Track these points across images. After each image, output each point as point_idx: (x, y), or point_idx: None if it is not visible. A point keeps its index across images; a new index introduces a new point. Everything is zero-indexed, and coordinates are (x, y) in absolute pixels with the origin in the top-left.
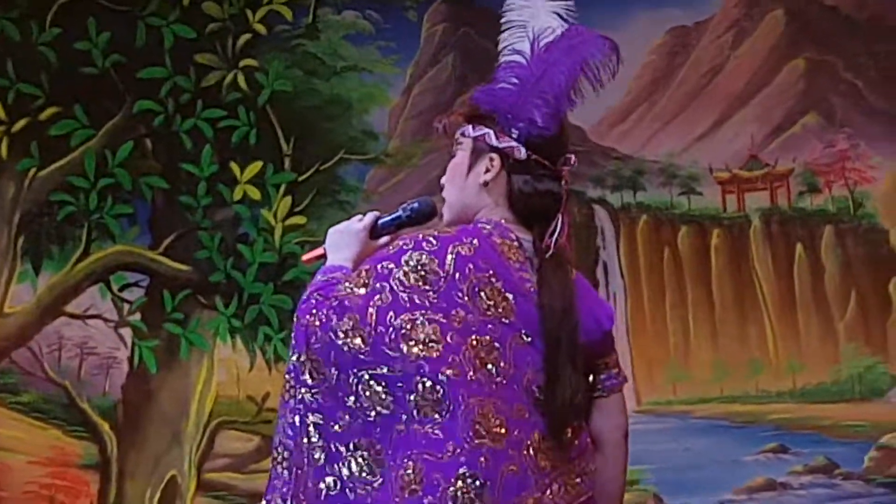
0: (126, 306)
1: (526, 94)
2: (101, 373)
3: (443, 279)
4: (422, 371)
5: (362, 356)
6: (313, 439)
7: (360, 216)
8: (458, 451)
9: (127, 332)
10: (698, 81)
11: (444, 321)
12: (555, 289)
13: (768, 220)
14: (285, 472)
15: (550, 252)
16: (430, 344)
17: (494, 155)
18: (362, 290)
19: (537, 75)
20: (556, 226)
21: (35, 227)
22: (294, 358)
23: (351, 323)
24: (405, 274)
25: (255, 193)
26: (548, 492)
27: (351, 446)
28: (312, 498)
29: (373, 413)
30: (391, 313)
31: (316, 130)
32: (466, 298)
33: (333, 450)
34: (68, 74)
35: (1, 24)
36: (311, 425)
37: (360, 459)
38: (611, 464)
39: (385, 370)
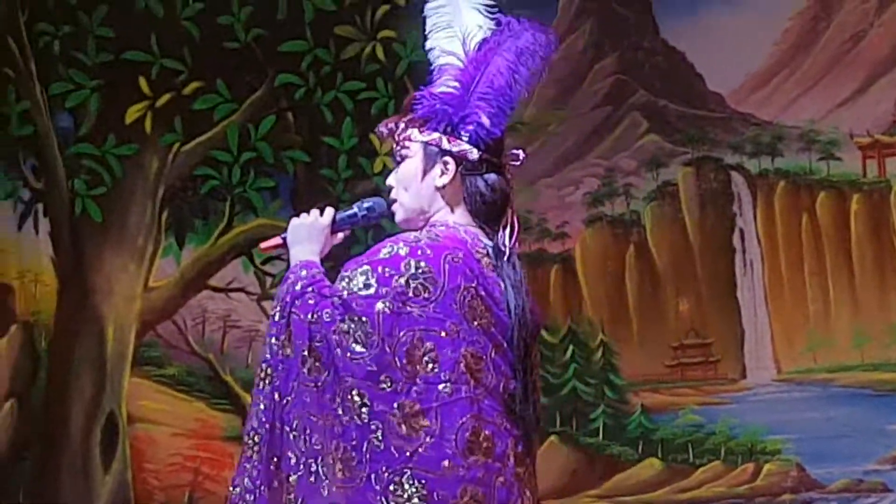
0: (268, 279)
1: (469, 96)
2: (244, 345)
3: (440, 289)
4: (418, 388)
5: (358, 361)
6: (305, 433)
7: (317, 211)
8: (458, 467)
9: (269, 305)
10: (841, 47)
11: (443, 336)
12: (518, 293)
13: None
14: (255, 457)
15: (508, 254)
16: (429, 362)
17: (448, 159)
18: (365, 292)
19: (476, 77)
20: (511, 225)
21: (179, 201)
22: (285, 350)
23: (352, 326)
24: (406, 282)
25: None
26: (522, 499)
27: (328, 446)
28: (292, 486)
29: (348, 419)
30: (396, 325)
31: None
32: (459, 309)
33: (316, 446)
34: (211, 49)
35: None
36: (297, 419)
37: (330, 461)
38: None
39: (379, 380)
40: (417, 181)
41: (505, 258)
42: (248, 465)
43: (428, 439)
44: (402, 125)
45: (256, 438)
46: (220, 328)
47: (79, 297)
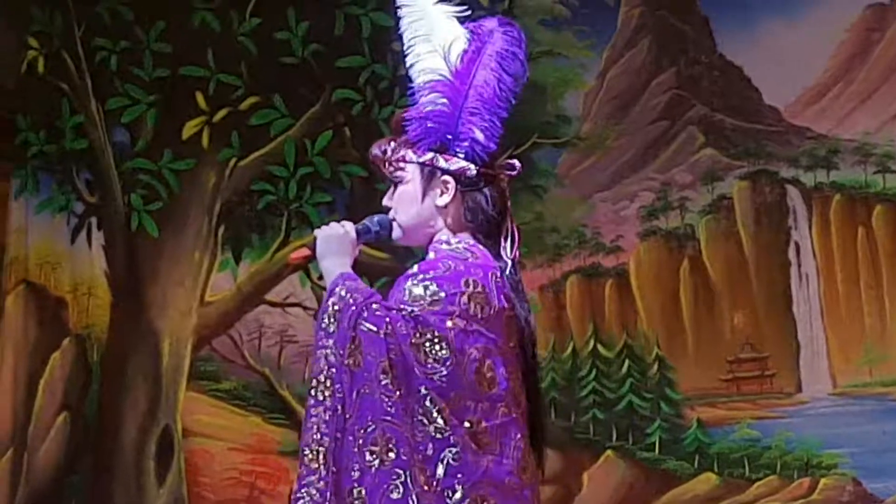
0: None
1: (459, 112)
2: (301, 360)
3: (492, 309)
4: (483, 406)
5: (432, 376)
6: (388, 445)
7: (340, 223)
8: (514, 486)
9: None
10: (895, 59)
11: (498, 356)
12: (525, 306)
13: None
14: (322, 469)
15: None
16: (492, 380)
17: (448, 178)
18: (434, 308)
19: (463, 91)
20: (512, 235)
21: (236, 216)
22: (349, 361)
23: (426, 341)
24: (468, 299)
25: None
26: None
27: (414, 458)
28: (356, 499)
29: (425, 431)
30: (465, 342)
31: (510, 115)
32: (504, 329)
33: (404, 458)
34: (268, 64)
35: (202, 15)
36: (382, 429)
37: (415, 472)
38: None
39: (451, 396)
40: (418, 202)
41: (511, 268)
42: (312, 478)
43: (491, 456)
44: (394, 147)
45: (321, 450)
46: (276, 343)
47: (133, 311)
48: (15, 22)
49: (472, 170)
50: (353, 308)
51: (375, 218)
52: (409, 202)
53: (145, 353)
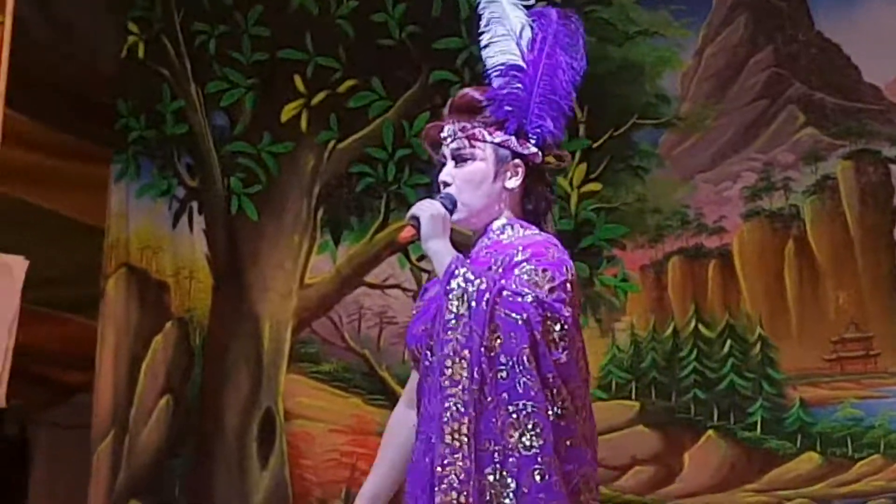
0: (424, 276)
1: (531, 99)
2: (400, 342)
3: (579, 298)
4: (582, 392)
5: (557, 362)
6: (535, 430)
7: (429, 201)
8: (595, 472)
9: None
10: None
11: (581, 344)
12: None
13: None
14: (465, 447)
15: None
16: (586, 367)
17: (519, 161)
18: (552, 295)
19: (535, 78)
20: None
21: (334, 198)
22: (489, 343)
23: (551, 328)
24: (572, 286)
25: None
26: None
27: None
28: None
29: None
30: (576, 330)
31: (609, 96)
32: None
33: (549, 443)
34: (365, 47)
35: None
36: (527, 414)
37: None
38: None
39: (568, 380)
40: (489, 182)
41: None
42: (456, 456)
43: (589, 442)
44: (468, 125)
45: (463, 429)
46: (376, 324)
47: (234, 294)
48: (115, 8)
49: (540, 156)
50: (487, 294)
51: (446, 195)
52: (480, 182)
53: (247, 337)
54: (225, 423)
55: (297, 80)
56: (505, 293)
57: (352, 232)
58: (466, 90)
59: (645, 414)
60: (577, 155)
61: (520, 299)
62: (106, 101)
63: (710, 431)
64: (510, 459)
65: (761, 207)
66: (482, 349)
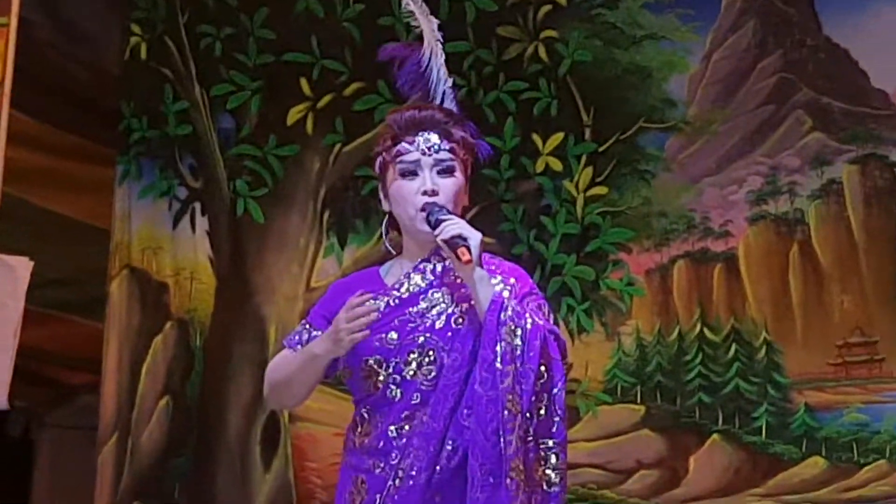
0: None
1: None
2: None
3: None
4: None
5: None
6: (563, 468)
7: (459, 218)
8: None
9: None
10: None
11: None
12: None
13: None
14: (523, 483)
15: None
16: None
17: None
18: (550, 323)
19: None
20: None
21: (340, 201)
22: (542, 381)
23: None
24: None
25: (556, 165)
26: None
27: None
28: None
29: None
30: None
31: (615, 100)
32: None
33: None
34: (372, 50)
35: (305, 1)
36: (563, 454)
37: None
38: None
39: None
40: (462, 197)
41: None
42: (518, 491)
43: None
44: (456, 138)
45: (521, 466)
46: None
47: (239, 296)
48: (118, 9)
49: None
50: (540, 331)
51: (442, 208)
52: (459, 195)
53: (251, 340)
54: (227, 425)
55: (303, 82)
56: (550, 335)
57: (358, 235)
58: (434, 106)
59: (650, 418)
60: (583, 159)
61: (554, 338)
62: (109, 102)
63: (715, 435)
64: (534, 496)
65: (767, 211)
66: (536, 387)
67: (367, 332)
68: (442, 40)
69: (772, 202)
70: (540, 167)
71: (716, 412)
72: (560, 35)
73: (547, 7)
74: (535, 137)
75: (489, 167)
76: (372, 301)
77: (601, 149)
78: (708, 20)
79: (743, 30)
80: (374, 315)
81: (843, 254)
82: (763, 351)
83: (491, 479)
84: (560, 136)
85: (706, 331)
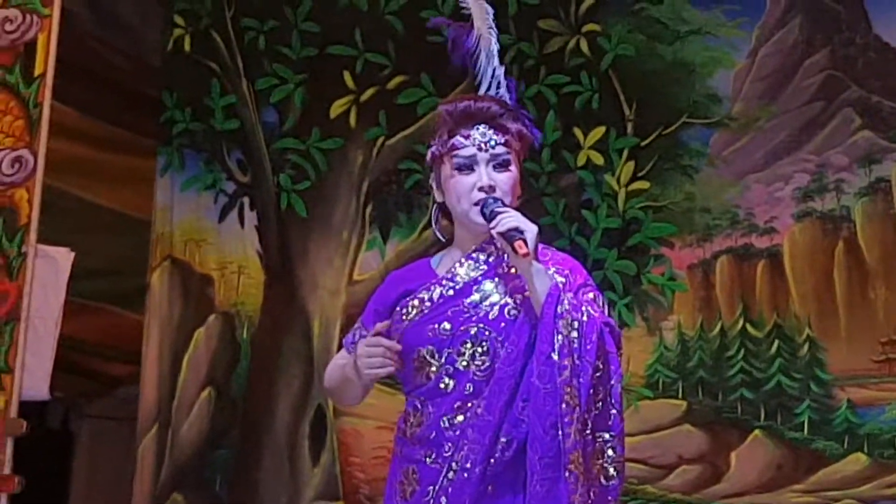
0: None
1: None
2: None
3: None
4: None
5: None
6: (612, 455)
7: (515, 211)
8: None
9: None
10: None
11: None
12: None
13: None
14: (582, 476)
15: None
16: None
17: None
18: (605, 315)
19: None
20: None
21: (383, 194)
22: (598, 374)
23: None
24: None
25: (598, 159)
26: None
27: None
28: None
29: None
30: None
31: (658, 94)
32: None
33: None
34: (415, 43)
35: None
36: (621, 446)
37: None
38: None
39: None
40: (517, 191)
41: None
42: (578, 484)
43: None
44: (510, 131)
45: (580, 459)
46: None
47: (286, 291)
48: (161, 1)
49: None
50: (596, 324)
51: (497, 201)
52: (514, 189)
53: (298, 334)
54: (274, 419)
55: (347, 75)
56: (605, 328)
57: (400, 228)
58: (490, 98)
59: (691, 413)
60: (625, 153)
61: (609, 330)
62: (151, 93)
63: (757, 431)
64: (592, 489)
65: (813, 208)
66: (593, 380)
67: (391, 369)
68: (495, 28)
69: (818, 199)
70: (581, 161)
71: (758, 408)
72: (602, 29)
73: (589, 1)
74: (577, 131)
75: (530, 161)
76: (384, 333)
77: (643, 143)
78: (754, 16)
79: (789, 26)
80: (389, 354)
81: (889, 251)
82: (806, 347)
83: (550, 473)
84: (601, 130)
85: (749, 326)
